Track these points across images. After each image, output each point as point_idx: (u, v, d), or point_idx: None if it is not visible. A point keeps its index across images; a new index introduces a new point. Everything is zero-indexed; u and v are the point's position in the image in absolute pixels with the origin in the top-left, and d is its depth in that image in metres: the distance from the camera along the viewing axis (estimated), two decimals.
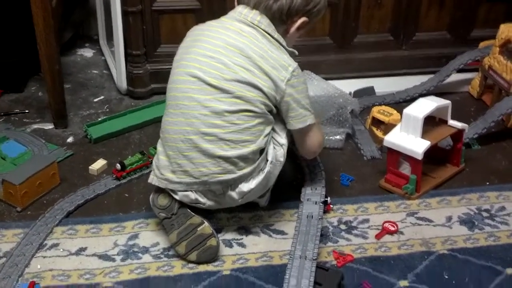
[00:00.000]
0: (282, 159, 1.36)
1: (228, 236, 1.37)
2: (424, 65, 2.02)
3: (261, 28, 1.31)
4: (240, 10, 1.34)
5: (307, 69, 1.92)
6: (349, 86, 1.97)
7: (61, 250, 1.32)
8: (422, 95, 1.85)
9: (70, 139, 1.74)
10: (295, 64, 1.32)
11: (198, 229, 1.29)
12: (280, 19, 1.33)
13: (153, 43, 1.91)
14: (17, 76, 1.99)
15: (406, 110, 1.50)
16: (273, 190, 1.46)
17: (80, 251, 1.32)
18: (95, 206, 1.46)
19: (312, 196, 1.41)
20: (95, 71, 2.15)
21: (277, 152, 1.36)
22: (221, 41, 1.30)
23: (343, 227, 1.40)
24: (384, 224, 1.40)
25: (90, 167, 1.59)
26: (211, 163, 1.28)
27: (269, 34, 1.31)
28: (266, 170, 1.33)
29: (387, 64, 2.03)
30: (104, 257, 1.30)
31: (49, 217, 1.40)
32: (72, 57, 2.25)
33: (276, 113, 1.35)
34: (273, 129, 1.35)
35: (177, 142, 1.30)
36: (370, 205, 1.47)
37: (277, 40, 1.32)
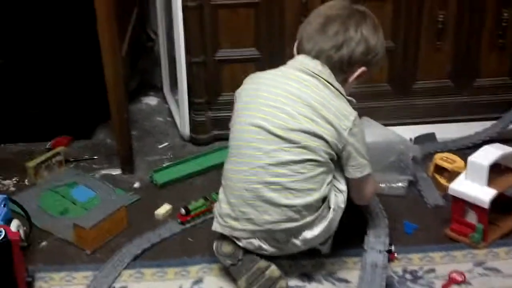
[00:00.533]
0: (343, 205, 1.37)
1: (291, 283, 1.37)
2: (486, 111, 1.99)
3: (322, 78, 1.33)
4: (301, 60, 1.36)
5: (365, 115, 1.94)
6: (409, 132, 1.96)
7: None
8: (485, 142, 1.82)
9: (136, 184, 1.80)
10: (355, 113, 1.34)
11: (266, 272, 1.30)
12: (340, 69, 1.35)
13: (215, 91, 1.98)
14: (87, 123, 2.08)
15: (471, 158, 1.48)
16: (334, 237, 1.46)
17: None
18: (161, 250, 1.50)
19: (375, 244, 1.40)
20: (159, 119, 2.22)
21: (338, 198, 1.37)
22: (282, 90, 1.32)
23: (408, 276, 1.38)
24: (451, 274, 1.37)
25: (155, 212, 1.63)
26: (275, 211, 1.30)
27: (330, 83, 1.33)
28: (329, 217, 1.34)
29: (448, 110, 2.02)
30: None
31: (117, 261, 1.44)
32: (138, 105, 2.33)
33: (336, 160, 1.36)
34: (333, 176, 1.37)
35: (241, 190, 1.32)
36: (435, 255, 1.45)
37: (337, 89, 1.34)
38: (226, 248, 1.35)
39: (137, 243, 1.50)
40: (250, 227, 1.32)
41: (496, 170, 1.52)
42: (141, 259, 1.46)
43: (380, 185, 1.72)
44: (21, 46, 1.91)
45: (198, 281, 1.38)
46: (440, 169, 1.74)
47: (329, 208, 1.35)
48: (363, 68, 1.36)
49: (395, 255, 1.43)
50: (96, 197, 1.70)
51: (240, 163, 1.34)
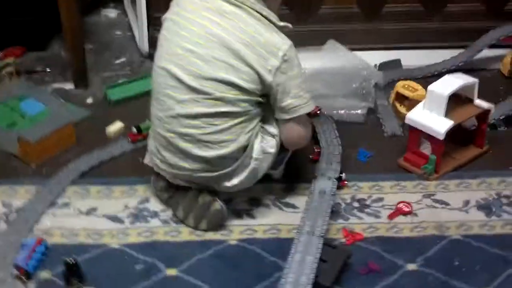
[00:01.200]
0: (273, 150, 1.29)
1: (238, 206, 1.35)
2: (455, 39, 1.93)
3: (248, 6, 1.19)
4: None
5: (332, 38, 1.87)
6: (375, 58, 1.91)
7: (72, 209, 1.33)
8: (451, 70, 1.78)
9: (89, 100, 1.74)
10: (286, 45, 1.20)
11: (199, 198, 1.28)
12: None
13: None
14: (41, 34, 1.99)
15: (431, 87, 1.44)
16: (288, 163, 1.44)
17: (90, 211, 1.33)
18: (109, 168, 1.47)
19: (326, 171, 1.38)
20: (118, 32, 2.12)
21: (268, 143, 1.29)
22: (200, 27, 1.19)
23: (356, 204, 1.38)
24: (398, 205, 1.36)
25: (106, 129, 1.58)
26: (191, 160, 1.24)
27: (257, 11, 1.19)
28: (250, 167, 1.27)
29: (416, 36, 1.95)
30: (114, 218, 1.31)
31: (63, 176, 1.41)
32: (96, 16, 2.22)
33: (266, 101, 1.26)
34: (262, 119, 1.28)
35: (160, 135, 1.26)
36: (386, 184, 1.44)
37: (266, 18, 1.20)
38: (160, 182, 1.33)
39: (85, 160, 1.46)
40: (171, 170, 1.28)
41: (456, 101, 1.49)
42: (88, 176, 1.43)
43: (340, 111, 1.69)
44: None
45: (145, 200, 1.36)
46: (401, 97, 1.70)
47: (251, 157, 1.26)
48: None
49: (346, 182, 1.42)
50: (45, 111, 1.63)
51: (157, 108, 1.26)
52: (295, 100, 1.23)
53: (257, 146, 1.26)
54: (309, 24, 1.97)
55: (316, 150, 1.49)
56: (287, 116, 1.25)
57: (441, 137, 1.40)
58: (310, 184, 1.37)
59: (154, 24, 1.91)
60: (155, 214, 1.33)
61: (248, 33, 1.18)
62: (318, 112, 1.60)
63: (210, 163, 1.24)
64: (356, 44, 1.93)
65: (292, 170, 1.46)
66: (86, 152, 1.49)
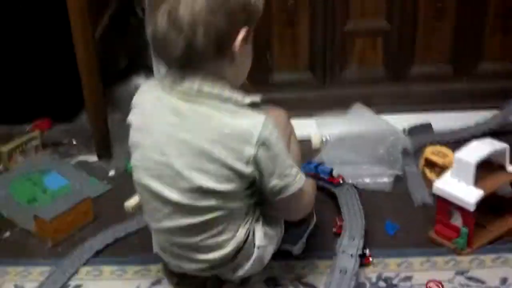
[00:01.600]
0: (274, 233, 1.21)
1: (256, 286, 1.28)
2: (488, 100, 1.84)
3: (204, 96, 1.03)
4: (172, 75, 1.06)
5: (357, 101, 1.82)
6: (403, 121, 1.84)
7: None
8: (485, 134, 1.69)
9: (111, 173, 1.72)
10: (258, 126, 1.03)
11: (207, 284, 1.23)
12: (216, 51, 1.01)
13: None
14: (69, 105, 2.01)
15: (458, 155, 1.36)
16: (309, 237, 1.37)
17: None
18: (124, 246, 1.42)
19: (348, 247, 1.29)
20: None
21: (271, 225, 1.20)
22: (166, 136, 1.07)
23: (382, 284, 1.28)
24: (428, 284, 1.26)
25: (125, 204, 1.55)
26: (195, 263, 1.18)
27: (216, 97, 1.04)
28: (254, 256, 1.18)
29: (447, 98, 1.88)
30: None
31: (77, 256, 1.37)
32: (126, 85, 2.24)
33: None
34: (260, 202, 1.17)
35: (157, 242, 1.23)
36: (415, 260, 1.34)
37: (228, 100, 1.04)
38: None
39: (101, 238, 1.43)
40: (177, 269, 1.24)
41: (488, 167, 1.39)
42: (102, 255, 1.39)
43: (365, 179, 1.61)
44: None
45: (157, 282, 1.31)
46: (431, 164, 1.62)
47: (254, 245, 1.17)
48: (243, 31, 1.02)
49: (370, 259, 1.33)
50: (67, 186, 1.63)
51: (148, 217, 1.20)
52: (280, 181, 1.09)
53: (259, 232, 1.18)
54: (333, 87, 1.93)
55: (338, 223, 1.42)
56: (277, 198, 1.13)
57: (471, 209, 1.30)
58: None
59: None
60: None
61: (213, 129, 1.04)
62: (341, 181, 1.53)
63: (212, 263, 1.17)
64: (383, 108, 1.88)
65: (314, 245, 1.38)
66: (103, 228, 1.46)
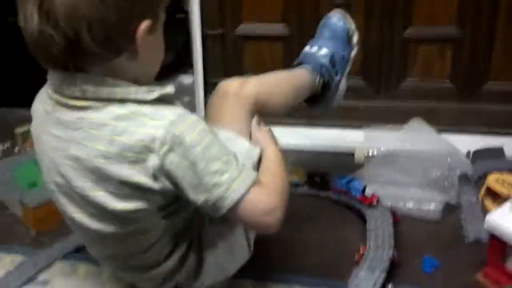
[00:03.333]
0: (234, 236, 0.99)
1: None
2: None
3: (90, 99, 0.81)
4: (55, 79, 0.84)
5: (419, 116, 1.56)
6: (469, 144, 1.55)
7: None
8: None
9: None
10: (165, 124, 0.80)
11: None
12: (107, 49, 0.79)
13: (235, 72, 1.69)
14: None
15: None
16: (324, 259, 1.15)
17: None
18: None
19: (364, 281, 1.04)
20: (186, 99, 1.99)
21: (223, 224, 0.98)
22: (56, 154, 0.86)
23: None
24: None
25: None
26: (140, 280, 1.00)
27: (106, 99, 0.81)
28: (206, 262, 0.97)
29: None
30: None
31: (55, 249, 1.21)
32: (169, 82, 2.14)
33: None
34: None
35: None
36: None
37: (123, 101, 0.81)
38: None
39: None
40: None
41: None
42: (83, 253, 1.21)
43: (409, 204, 1.34)
44: None
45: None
46: (493, 195, 1.32)
47: (202, 249, 0.97)
48: (145, 24, 0.80)
49: None
50: None
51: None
52: (210, 194, 0.83)
53: (208, 233, 0.97)
54: (388, 98, 1.68)
55: (362, 251, 1.16)
56: (216, 214, 0.85)
57: None
58: None
59: (211, 91, 1.76)
60: None
61: (105, 140, 0.81)
62: (375, 202, 1.27)
63: (164, 275, 0.97)
64: (447, 126, 1.60)
65: (327, 272, 1.13)
66: None
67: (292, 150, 1.66)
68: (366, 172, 1.49)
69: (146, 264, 0.94)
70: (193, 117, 0.82)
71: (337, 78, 1.26)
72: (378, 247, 1.14)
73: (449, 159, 1.41)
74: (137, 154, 0.80)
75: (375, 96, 1.68)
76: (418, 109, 1.62)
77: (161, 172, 0.81)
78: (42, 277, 1.15)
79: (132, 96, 0.81)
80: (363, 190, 1.29)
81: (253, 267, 1.11)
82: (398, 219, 1.28)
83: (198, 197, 0.83)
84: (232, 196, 0.83)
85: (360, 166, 1.53)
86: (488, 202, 1.32)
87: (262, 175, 0.90)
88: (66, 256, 1.20)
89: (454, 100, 1.64)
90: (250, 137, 1.01)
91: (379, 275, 1.05)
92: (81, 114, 0.82)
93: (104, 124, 0.81)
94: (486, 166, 1.47)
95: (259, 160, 0.95)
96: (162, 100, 0.83)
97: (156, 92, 0.82)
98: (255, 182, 0.85)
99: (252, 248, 1.04)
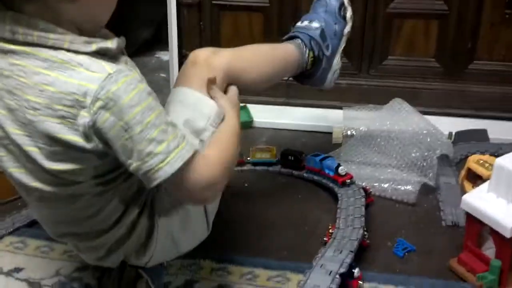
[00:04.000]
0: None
1: None
2: None
3: (21, 42, 0.73)
4: None
5: (403, 96, 1.49)
6: (453, 125, 1.48)
7: None
8: None
9: None
10: (99, 77, 0.72)
11: (124, 273, 0.93)
12: None
13: (212, 45, 1.62)
14: None
15: (500, 161, 0.99)
16: (291, 239, 1.08)
17: (13, 271, 1.03)
18: None
19: (329, 262, 0.97)
20: (162, 75, 1.92)
21: None
22: None
23: None
24: None
25: None
26: (86, 250, 0.92)
27: (36, 42, 0.73)
28: (156, 232, 0.89)
29: (510, 103, 1.50)
30: (34, 286, 1.00)
31: (8, 222, 1.14)
32: (148, 58, 2.07)
33: None
34: None
35: None
36: None
37: (54, 48, 0.73)
38: None
39: None
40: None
41: None
42: (37, 227, 1.14)
43: (384, 184, 1.27)
44: None
45: (82, 268, 1.04)
46: (473, 176, 1.25)
47: (153, 216, 0.89)
48: None
49: (359, 283, 0.99)
50: None
51: None
52: (141, 163, 0.75)
53: (160, 200, 0.89)
54: (370, 77, 1.61)
55: (331, 230, 1.09)
56: (149, 185, 0.78)
57: (508, 235, 0.94)
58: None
59: None
60: None
61: (35, 90, 0.73)
62: (348, 181, 1.21)
63: (110, 245, 0.89)
64: (429, 107, 1.53)
65: (293, 253, 1.07)
66: None
67: (268, 128, 1.60)
68: (343, 152, 1.42)
69: (94, 230, 0.86)
70: (135, 75, 0.74)
71: (328, 52, 1.20)
72: (348, 226, 1.07)
73: (428, 139, 1.35)
74: (67, 108, 0.72)
75: (357, 74, 1.61)
76: (401, 89, 1.56)
77: (93, 131, 0.73)
78: None
79: (65, 46, 0.73)
80: (336, 168, 1.22)
81: (216, 247, 1.05)
82: (371, 199, 1.22)
83: (129, 162, 0.76)
84: (166, 169, 0.75)
85: (338, 146, 1.47)
86: (467, 185, 1.25)
87: (209, 147, 0.85)
88: (17, 231, 1.13)
89: (439, 80, 1.57)
90: None
91: (346, 256, 0.98)
92: (13, 59, 0.74)
93: (35, 72, 0.73)
94: (468, 148, 1.41)
95: None
96: (103, 55, 0.75)
97: (95, 44, 0.74)
98: (195, 155, 0.78)
99: (210, 226, 0.97)
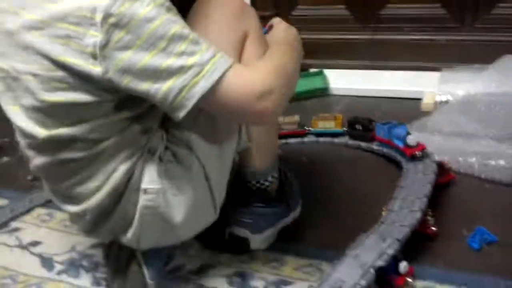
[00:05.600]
0: (186, 173, 0.75)
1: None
2: None
3: None
4: None
5: (508, 52, 1.20)
6: None
7: (14, 238, 0.99)
8: None
9: None
10: None
11: (121, 254, 0.81)
12: None
13: (288, 3, 1.45)
14: None
15: None
16: (342, 225, 0.89)
17: (31, 245, 0.97)
18: None
19: (368, 251, 0.76)
20: None
21: (177, 159, 0.75)
22: None
23: None
24: None
25: None
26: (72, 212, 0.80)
27: None
28: (140, 207, 0.73)
29: None
30: (46, 262, 0.92)
31: (37, 196, 1.09)
32: None
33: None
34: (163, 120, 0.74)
35: None
36: None
37: None
38: None
39: None
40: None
41: None
42: None
43: (470, 159, 1.01)
44: None
45: (97, 245, 0.94)
46: None
47: (138, 189, 0.73)
48: None
49: (407, 280, 0.77)
50: None
51: None
52: (175, 79, 0.64)
53: (150, 171, 0.73)
54: (476, 31, 1.32)
55: (383, 213, 0.87)
56: (180, 114, 0.66)
57: None
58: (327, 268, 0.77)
59: None
60: (94, 268, 0.89)
61: (39, 8, 0.65)
62: (418, 153, 0.97)
63: (83, 216, 0.77)
64: None
65: (322, 236, 0.87)
66: None
67: (346, 96, 1.39)
68: (432, 122, 1.18)
69: (77, 193, 0.75)
70: None
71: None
72: (402, 209, 0.84)
73: None
74: (73, 27, 0.63)
75: (458, 27, 1.33)
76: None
77: (104, 53, 0.63)
78: (15, 224, 1.03)
79: None
80: (405, 138, 0.99)
81: None
82: (451, 177, 0.97)
83: (155, 88, 0.64)
84: (202, 84, 0.64)
85: (426, 114, 1.22)
86: None
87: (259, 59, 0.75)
88: (47, 203, 1.07)
89: None
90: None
91: (389, 245, 0.76)
92: None
93: None
94: None
95: None
96: None
97: None
98: (236, 67, 0.67)
99: (218, 209, 0.80)
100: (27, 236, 1.01)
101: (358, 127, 1.13)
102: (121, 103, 0.68)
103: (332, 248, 0.85)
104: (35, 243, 0.98)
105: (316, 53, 1.38)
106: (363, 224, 0.88)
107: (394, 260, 0.76)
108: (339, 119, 1.17)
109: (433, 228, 0.86)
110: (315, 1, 1.41)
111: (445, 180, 0.96)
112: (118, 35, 0.62)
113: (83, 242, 0.96)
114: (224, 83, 0.66)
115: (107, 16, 0.61)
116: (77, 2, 0.63)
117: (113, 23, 0.62)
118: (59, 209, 1.02)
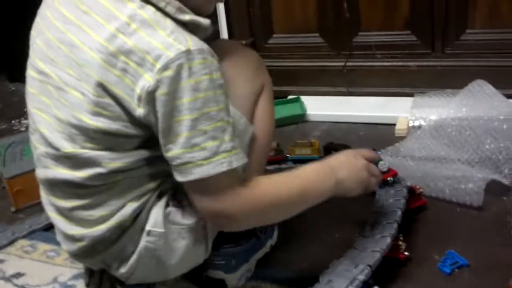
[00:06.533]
0: (189, 222, 0.77)
1: None
2: None
3: None
4: None
5: (485, 77, 1.25)
6: None
7: None
8: None
9: None
10: (175, 51, 0.66)
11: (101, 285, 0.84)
12: None
13: (264, 32, 1.49)
14: None
15: None
16: (313, 250, 0.92)
17: (13, 277, 0.98)
18: None
19: (339, 277, 0.79)
20: None
21: (181, 210, 0.78)
22: (58, 36, 0.74)
23: None
24: None
25: None
26: (70, 245, 0.82)
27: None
28: (140, 248, 0.77)
29: None
30: None
31: (23, 227, 1.11)
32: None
33: None
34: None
35: None
36: None
37: (146, 2, 0.69)
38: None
39: None
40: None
41: None
42: (52, 231, 1.09)
43: (439, 184, 1.04)
44: None
45: (78, 276, 0.96)
46: None
47: (142, 230, 0.77)
48: None
49: None
50: None
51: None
52: (185, 152, 0.69)
53: (156, 214, 0.76)
54: (446, 57, 1.37)
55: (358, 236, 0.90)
56: (180, 178, 0.71)
57: None
58: None
59: None
60: None
61: (109, 33, 0.68)
62: (390, 179, 1.00)
63: (85, 245, 0.79)
64: None
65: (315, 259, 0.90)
66: None
67: (324, 122, 1.42)
68: (405, 147, 1.22)
69: (80, 217, 0.77)
70: (214, 62, 0.69)
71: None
72: (375, 233, 0.87)
73: (505, 126, 1.09)
74: (134, 64, 0.67)
75: (428, 53, 1.37)
76: (484, 68, 1.31)
77: (149, 98, 0.67)
78: None
79: (161, 4, 0.69)
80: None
81: None
82: (422, 202, 1.00)
83: (169, 146, 0.69)
84: (205, 169, 0.69)
85: (400, 139, 1.26)
86: None
87: (266, 176, 0.77)
88: (30, 234, 1.09)
89: None
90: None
91: (361, 271, 0.79)
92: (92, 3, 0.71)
93: (116, 17, 0.69)
94: None
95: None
96: (191, 31, 0.70)
97: (189, 15, 0.70)
98: (241, 173, 0.72)
99: (210, 248, 0.83)
100: (10, 268, 1.02)
101: (334, 153, 1.16)
102: (148, 141, 0.72)
103: (306, 273, 0.88)
104: (18, 275, 0.99)
105: (293, 80, 1.43)
106: (338, 249, 0.91)
107: (366, 286, 0.79)
108: (315, 145, 1.20)
109: (405, 253, 0.89)
110: (290, 29, 1.45)
111: (416, 204, 0.99)
112: (166, 89, 0.67)
113: (65, 273, 0.98)
114: (219, 179, 0.69)
115: (165, 67, 0.66)
116: (148, 47, 0.67)
117: (168, 76, 0.66)
118: (43, 240, 1.06)
